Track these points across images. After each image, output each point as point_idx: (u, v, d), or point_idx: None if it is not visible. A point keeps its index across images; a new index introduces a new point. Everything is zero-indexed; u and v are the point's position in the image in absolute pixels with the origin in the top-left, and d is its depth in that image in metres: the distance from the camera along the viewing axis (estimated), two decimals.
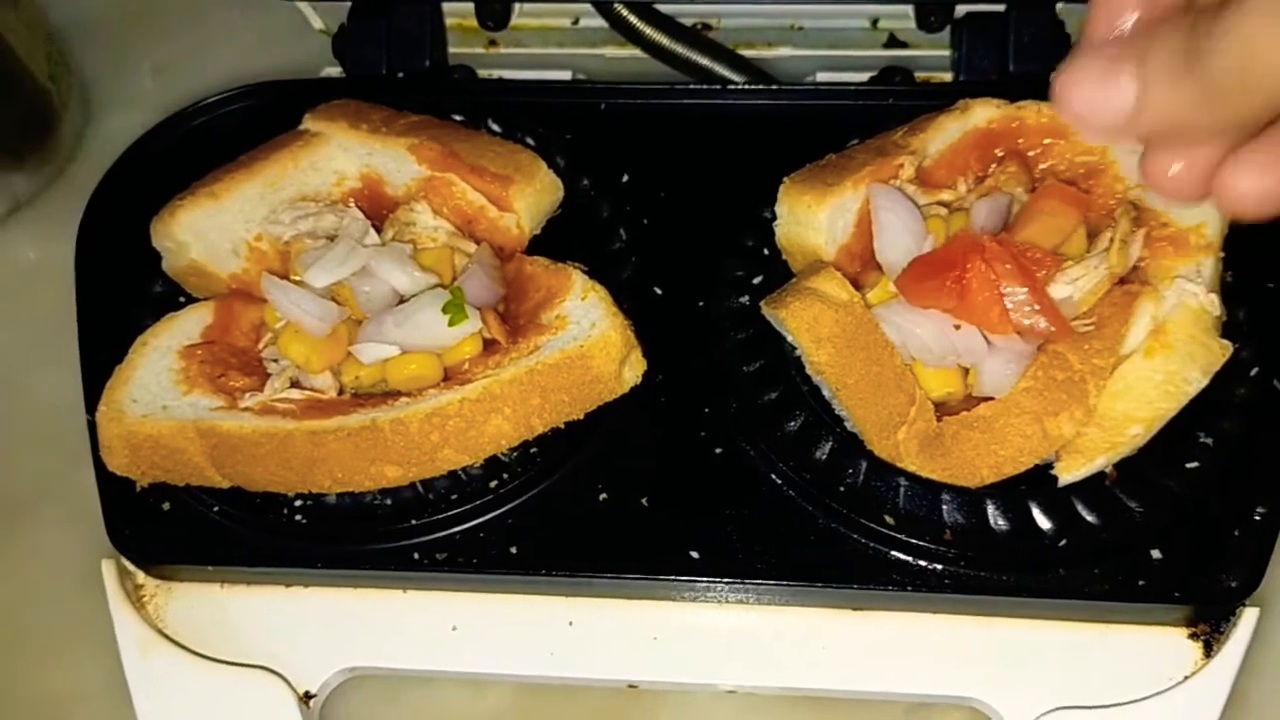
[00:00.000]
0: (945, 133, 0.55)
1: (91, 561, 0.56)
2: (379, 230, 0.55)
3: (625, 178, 0.59)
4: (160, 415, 0.48)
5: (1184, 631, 0.49)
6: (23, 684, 0.55)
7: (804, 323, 0.48)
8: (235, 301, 0.53)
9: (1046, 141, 0.55)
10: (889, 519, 0.49)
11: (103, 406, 0.49)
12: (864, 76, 0.65)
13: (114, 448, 0.49)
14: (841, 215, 0.53)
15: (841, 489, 0.49)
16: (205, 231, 0.53)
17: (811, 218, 0.52)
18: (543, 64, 0.68)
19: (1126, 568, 0.48)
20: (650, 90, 0.62)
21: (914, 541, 0.48)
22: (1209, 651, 0.48)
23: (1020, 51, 0.62)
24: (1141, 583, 0.47)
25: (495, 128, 0.60)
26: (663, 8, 0.66)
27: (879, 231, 0.52)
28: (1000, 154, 0.56)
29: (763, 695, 0.50)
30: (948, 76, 0.65)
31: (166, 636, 0.49)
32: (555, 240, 0.56)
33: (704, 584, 0.49)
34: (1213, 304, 0.49)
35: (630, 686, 0.50)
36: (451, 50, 0.67)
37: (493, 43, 0.69)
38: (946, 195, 0.55)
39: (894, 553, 0.48)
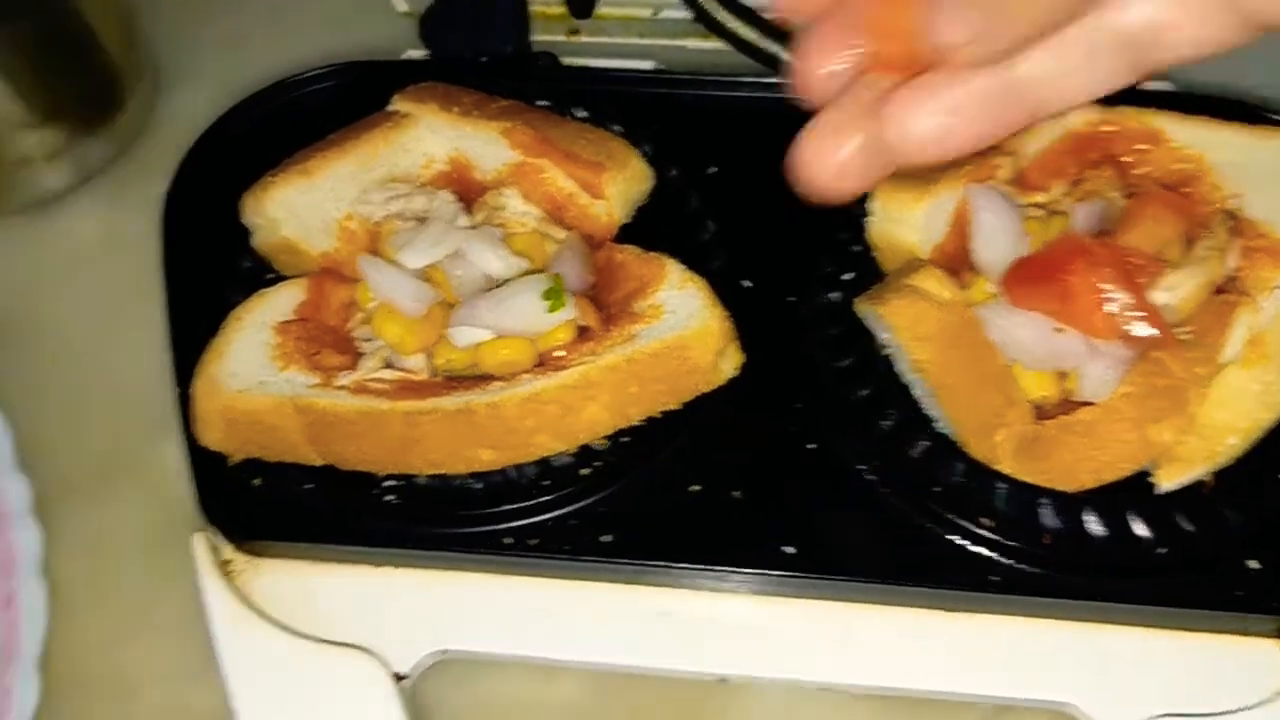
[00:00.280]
0: (1042, 135, 0.55)
1: (170, 536, 0.55)
2: (468, 214, 0.55)
3: (713, 169, 0.58)
4: (257, 391, 0.48)
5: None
6: (97, 657, 0.54)
7: (906, 321, 0.48)
8: (326, 280, 0.52)
9: (1142, 147, 0.55)
10: (986, 521, 0.48)
11: (199, 380, 0.48)
12: None
13: (210, 422, 0.48)
14: (938, 214, 0.52)
15: (937, 489, 0.49)
16: (297, 209, 0.52)
17: (908, 215, 0.52)
18: (624, 54, 0.68)
19: (1223, 577, 0.47)
20: (738, 83, 0.61)
21: (1012, 544, 0.48)
22: None
23: None
24: (1239, 593, 0.47)
25: (580, 115, 0.59)
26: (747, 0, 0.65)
27: (977, 232, 0.51)
28: (1095, 158, 0.55)
29: (853, 693, 0.50)
30: None
31: (259, 613, 0.49)
32: (642, 230, 0.56)
33: (798, 579, 0.48)
34: None
35: (721, 680, 0.49)
36: (532, 37, 0.67)
37: (574, 31, 0.69)
38: (1041, 198, 0.55)
39: (991, 555, 0.48)
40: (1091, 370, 0.49)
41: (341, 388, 0.49)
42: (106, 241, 0.68)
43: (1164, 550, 0.48)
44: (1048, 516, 0.49)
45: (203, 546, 0.50)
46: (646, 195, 0.56)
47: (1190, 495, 0.48)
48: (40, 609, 0.54)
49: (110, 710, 0.53)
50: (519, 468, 0.50)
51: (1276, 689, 0.47)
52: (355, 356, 0.51)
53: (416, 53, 0.66)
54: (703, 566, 0.49)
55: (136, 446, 0.59)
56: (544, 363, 0.50)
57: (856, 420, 0.51)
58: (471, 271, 0.52)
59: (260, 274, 0.54)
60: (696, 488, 0.50)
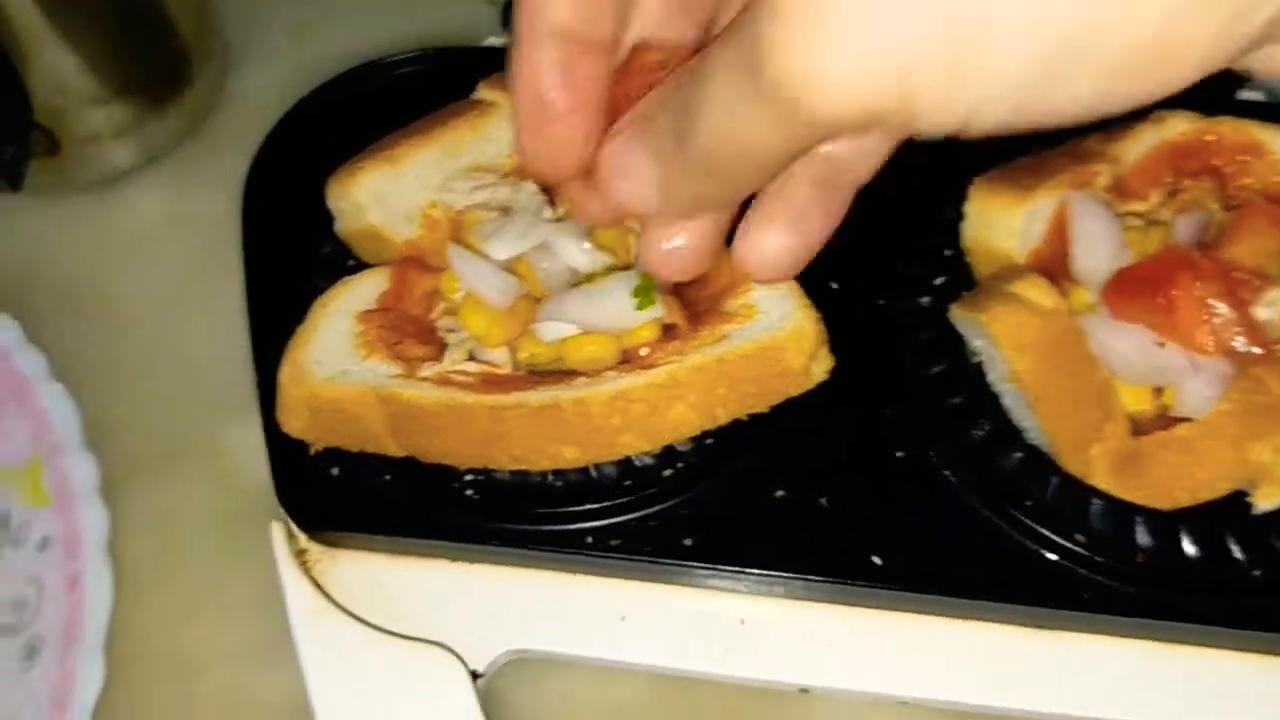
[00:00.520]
0: (1141, 142, 0.53)
1: (238, 519, 0.55)
2: (552, 206, 0.54)
3: None
4: (342, 379, 0.47)
5: None
6: (161, 639, 0.54)
7: (1007, 329, 0.47)
8: (410, 269, 0.52)
9: (1243, 158, 0.54)
10: (1079, 537, 0.47)
11: (286, 366, 0.48)
12: None
13: (295, 409, 0.47)
14: (1035, 220, 0.51)
15: (1029, 502, 0.48)
16: (383, 195, 0.51)
17: (1005, 221, 0.51)
18: None
19: None
20: None
21: (1105, 562, 0.47)
22: None
23: None
24: None
25: None
26: None
27: (1076, 240, 0.50)
28: (1194, 168, 0.54)
29: (936, 709, 0.49)
30: None
31: (335, 604, 0.48)
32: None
33: (884, 591, 0.47)
34: None
35: (803, 691, 0.48)
36: None
37: None
38: (1138, 206, 0.53)
39: (1083, 572, 0.47)
40: (1191, 386, 0.48)
41: (425, 379, 0.48)
42: (172, 220, 0.67)
43: (1259, 572, 0.47)
44: (1142, 534, 0.47)
45: (280, 536, 0.49)
46: None
47: None
48: (106, 590, 0.54)
49: (174, 693, 0.53)
50: (600, 467, 0.49)
51: None
52: (438, 347, 0.50)
53: (496, 40, 0.65)
54: (786, 574, 0.48)
55: (203, 427, 0.59)
56: (628, 360, 0.49)
57: (947, 429, 0.50)
58: (557, 264, 0.50)
59: (340, 260, 0.53)
60: (781, 493, 0.49)
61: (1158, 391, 0.49)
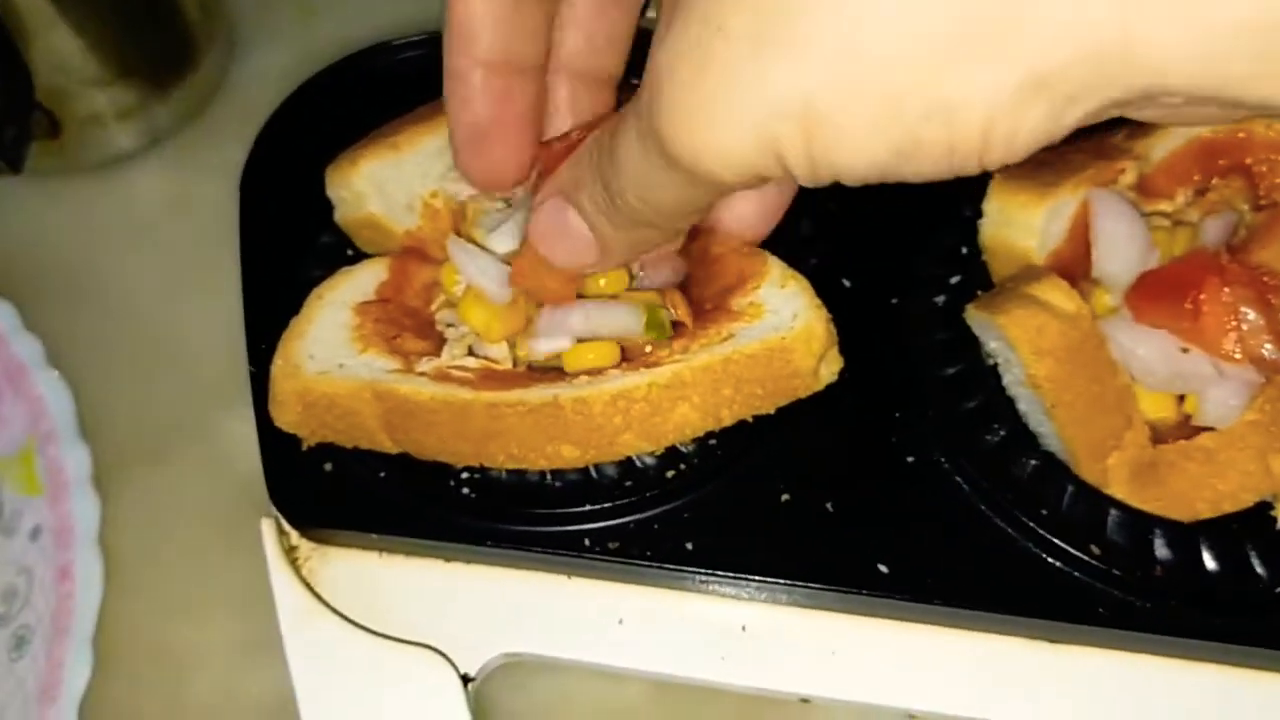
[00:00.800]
0: (1168, 139, 0.51)
1: (231, 513, 0.54)
2: None
3: None
4: (337, 373, 0.46)
5: None
6: (151, 632, 0.53)
7: (1026, 332, 0.45)
8: (410, 260, 0.50)
9: (1274, 157, 0.52)
10: (1095, 548, 0.46)
11: (279, 360, 0.46)
12: None
13: (287, 403, 0.46)
14: (1056, 219, 0.49)
15: (1044, 512, 0.46)
16: (383, 183, 0.50)
17: (1026, 219, 0.49)
18: None
19: None
20: None
21: (1121, 575, 0.45)
22: None
23: None
24: None
25: None
26: None
27: (1099, 240, 0.48)
28: (1224, 166, 0.52)
29: None
30: None
31: (325, 603, 0.47)
32: None
33: (891, 601, 0.46)
34: None
35: (804, 701, 0.47)
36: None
37: None
38: (1165, 205, 0.51)
39: (1099, 585, 0.45)
40: (1215, 394, 0.46)
41: (422, 374, 0.46)
42: (174, 205, 0.66)
43: None
44: (1160, 547, 0.46)
45: (270, 532, 0.48)
46: None
47: None
48: (96, 582, 0.53)
49: (164, 688, 0.52)
50: (600, 467, 0.47)
51: None
52: (436, 341, 0.48)
53: None
54: (789, 581, 0.46)
55: (199, 418, 0.58)
56: (631, 358, 0.47)
57: (961, 434, 0.48)
58: None
59: (340, 249, 0.52)
60: (786, 497, 0.48)
61: (1180, 399, 0.47)
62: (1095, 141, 0.52)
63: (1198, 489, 0.45)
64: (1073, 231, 0.50)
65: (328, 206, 0.51)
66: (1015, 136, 0.28)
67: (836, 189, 0.53)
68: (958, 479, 0.48)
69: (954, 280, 0.51)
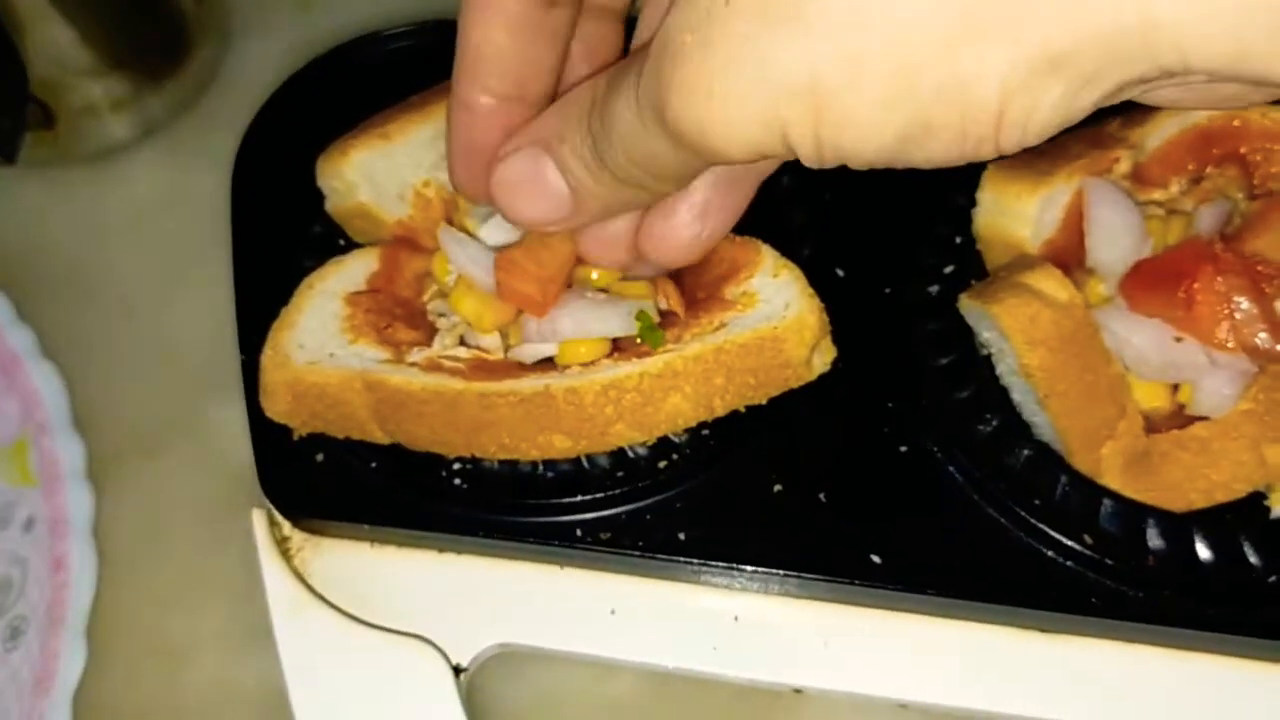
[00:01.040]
0: (1163, 128, 0.51)
1: (225, 504, 0.54)
2: None
3: None
4: (327, 363, 0.46)
5: None
6: (145, 624, 0.53)
7: (1019, 322, 0.45)
8: (401, 250, 0.50)
9: (1269, 146, 0.51)
10: (1088, 538, 0.45)
11: (269, 350, 0.46)
12: None
13: (277, 394, 0.46)
14: (1050, 208, 0.49)
15: (1037, 502, 0.46)
16: (374, 173, 0.50)
17: (1020, 208, 0.49)
18: None
19: None
20: None
21: (1114, 565, 0.45)
22: None
23: None
24: None
25: None
26: None
27: (1093, 229, 0.48)
28: (1218, 155, 0.52)
29: (935, 714, 0.47)
30: None
31: (316, 594, 0.47)
32: None
33: (883, 591, 0.46)
34: None
35: (796, 692, 0.47)
36: None
37: None
38: (1158, 195, 0.51)
39: (1091, 574, 0.45)
40: (1209, 384, 0.46)
41: (413, 364, 0.46)
42: (168, 196, 0.66)
43: (1276, 579, 0.45)
44: (1154, 537, 0.45)
45: (262, 523, 0.48)
46: None
47: None
48: (90, 573, 0.53)
49: (158, 679, 0.52)
50: (592, 458, 0.47)
51: None
52: (428, 331, 0.48)
53: None
54: (782, 571, 0.46)
55: (193, 409, 0.58)
56: (623, 348, 0.47)
57: (954, 424, 0.48)
58: None
59: (331, 239, 0.52)
60: (779, 488, 0.47)
61: (1174, 389, 0.47)
62: (1090, 130, 0.51)
63: (1191, 479, 0.45)
64: (1067, 220, 0.49)
65: (319, 196, 0.51)
66: (1031, 118, 0.27)
67: (831, 177, 0.54)
68: (951, 469, 0.47)
69: (948, 269, 0.51)
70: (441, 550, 0.48)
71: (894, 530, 0.46)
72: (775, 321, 0.46)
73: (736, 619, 0.47)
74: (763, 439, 0.48)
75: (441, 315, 0.49)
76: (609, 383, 0.45)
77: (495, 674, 0.49)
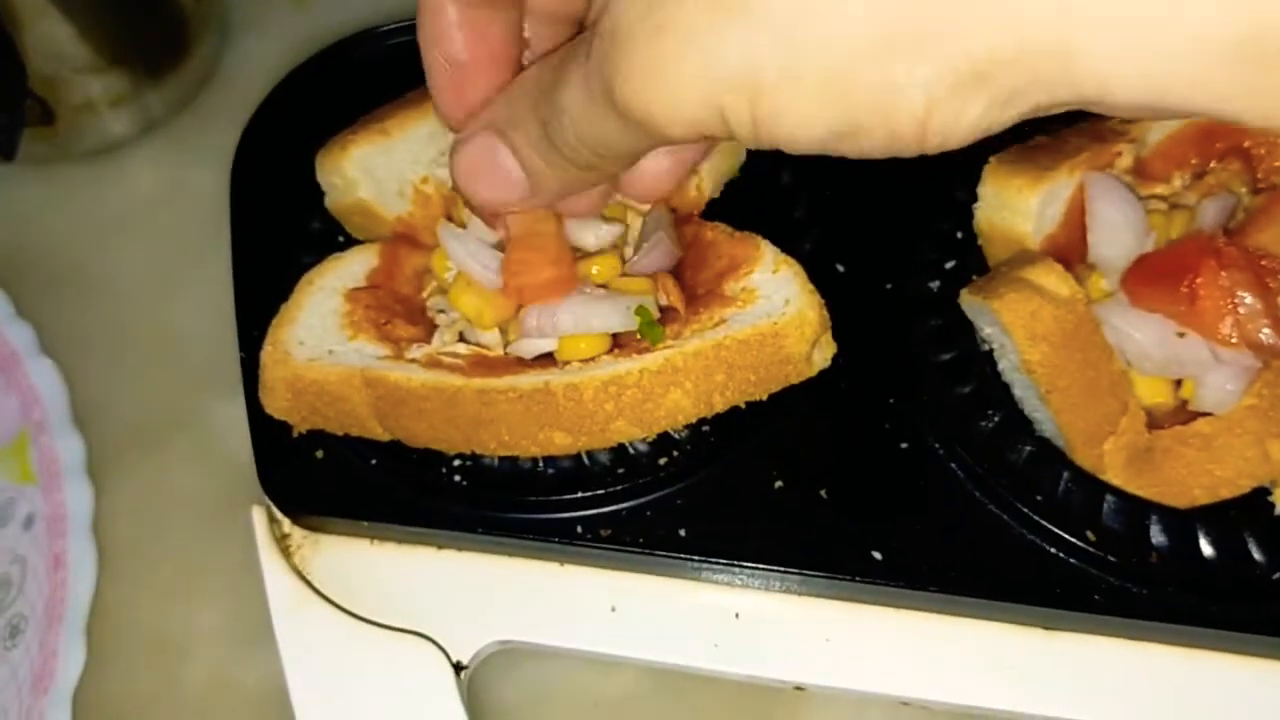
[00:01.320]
0: (1165, 121, 0.51)
1: (225, 501, 0.54)
2: None
3: None
4: (327, 360, 0.46)
5: None
6: (145, 621, 0.53)
7: (1020, 317, 0.45)
8: (400, 246, 0.50)
9: (1273, 140, 0.51)
10: (1091, 535, 0.45)
11: (268, 346, 0.46)
12: None
13: (276, 390, 0.46)
14: (1052, 203, 0.49)
15: (1039, 498, 0.46)
16: (374, 169, 0.50)
17: (1021, 203, 0.48)
18: None
19: None
20: None
21: (1117, 561, 0.45)
22: None
23: None
24: None
25: None
26: None
27: (1095, 224, 0.48)
28: (1221, 149, 0.52)
29: (936, 711, 0.47)
30: None
31: (316, 591, 0.47)
32: (731, 206, 0.53)
33: (884, 588, 0.45)
34: None
35: (798, 689, 0.47)
36: None
37: None
38: (1161, 189, 0.51)
39: (1094, 571, 0.45)
40: (1212, 379, 0.45)
41: (413, 361, 0.46)
42: (168, 193, 0.66)
43: None
44: (1157, 533, 0.45)
45: (261, 520, 0.48)
46: (737, 170, 0.53)
47: None
48: (89, 570, 0.53)
49: (157, 676, 0.52)
50: (592, 454, 0.47)
51: None
52: (427, 328, 0.48)
53: None
54: (783, 568, 0.46)
55: (193, 406, 0.58)
56: (623, 344, 0.47)
57: (955, 420, 0.48)
58: None
59: (330, 236, 0.52)
60: (780, 484, 0.47)
61: (1177, 384, 0.47)
62: (1091, 125, 0.51)
63: (1195, 475, 0.45)
64: (1068, 215, 0.49)
65: (318, 192, 0.51)
66: (953, 127, 0.28)
67: (832, 172, 0.53)
68: (952, 465, 0.47)
69: (949, 265, 0.51)
70: (441, 547, 0.48)
71: (895, 527, 0.46)
72: (775, 317, 0.45)
73: (737, 616, 0.47)
74: (763, 435, 0.48)
75: (441, 311, 0.49)
76: (609, 379, 0.45)
77: (496, 671, 0.49)
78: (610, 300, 0.46)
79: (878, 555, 0.46)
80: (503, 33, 0.40)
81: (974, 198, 0.50)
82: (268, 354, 0.46)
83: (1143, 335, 0.45)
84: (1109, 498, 0.45)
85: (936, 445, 0.48)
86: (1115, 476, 0.45)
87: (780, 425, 0.48)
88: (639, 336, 0.46)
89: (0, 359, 0.58)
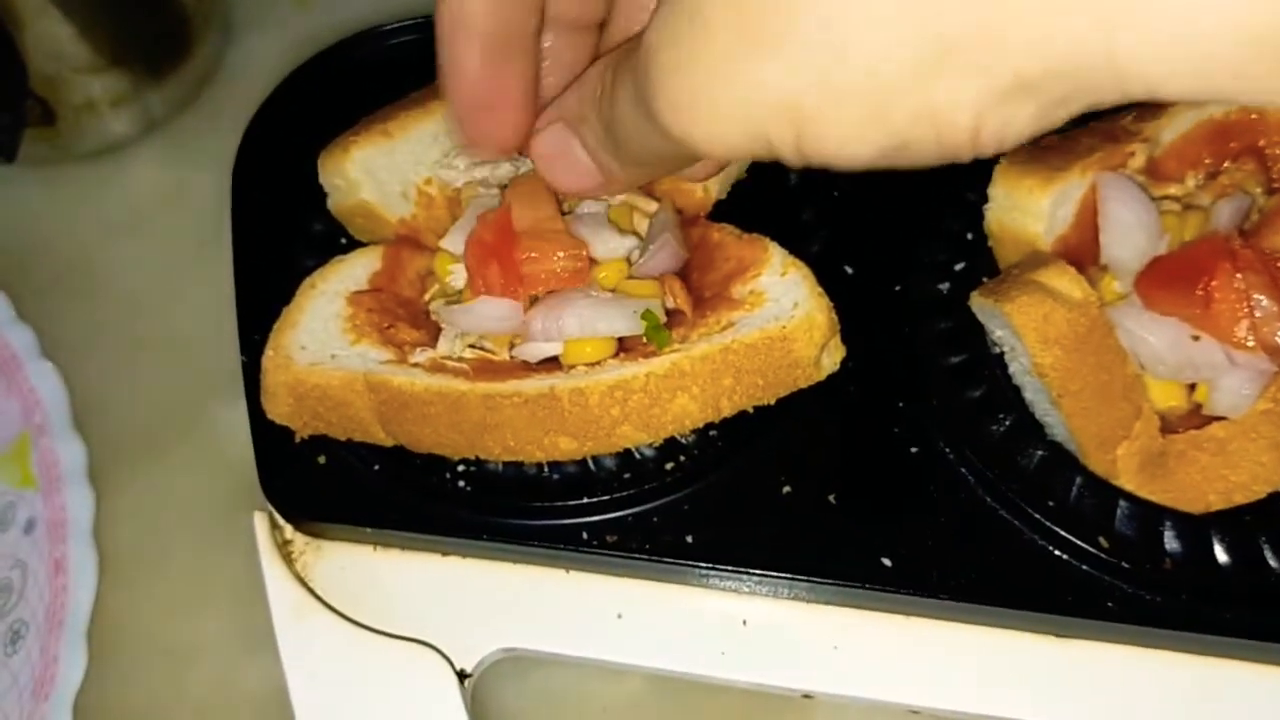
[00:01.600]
0: (1178, 121, 0.50)
1: (227, 506, 0.53)
2: None
3: None
4: (329, 364, 0.45)
5: None
6: (146, 627, 0.52)
7: (1032, 320, 0.44)
8: (403, 248, 0.49)
9: None
10: (1103, 541, 0.45)
11: (270, 350, 0.46)
12: None
13: (278, 395, 0.45)
14: (1063, 203, 0.48)
15: (1051, 504, 0.45)
16: (377, 171, 0.49)
17: (1032, 204, 0.48)
18: None
19: None
20: None
21: (1130, 568, 0.44)
22: None
23: None
24: None
25: None
26: None
27: (1108, 226, 0.47)
28: (1235, 149, 0.51)
29: (947, 719, 0.46)
30: None
31: (319, 598, 0.46)
32: (738, 207, 0.52)
33: (895, 595, 0.45)
34: None
35: (806, 696, 0.46)
36: None
37: None
38: (1174, 190, 0.50)
39: (1107, 578, 0.44)
40: (1227, 383, 0.45)
41: (416, 365, 0.46)
42: (169, 194, 0.65)
43: None
44: (1170, 539, 0.45)
45: (263, 526, 0.48)
46: (744, 171, 0.52)
47: None
48: (90, 575, 0.52)
49: (159, 683, 0.52)
50: (598, 459, 0.47)
51: None
52: (431, 331, 0.47)
53: None
54: (791, 575, 0.45)
55: (194, 410, 0.57)
56: (630, 348, 0.46)
57: (965, 424, 0.47)
58: None
59: (333, 238, 0.51)
60: (788, 490, 0.47)
61: (1190, 388, 0.46)
62: (1104, 124, 0.50)
63: (1209, 480, 0.44)
64: (1080, 216, 0.49)
65: (320, 194, 0.50)
66: (1005, 133, 0.28)
67: (840, 174, 0.53)
68: (962, 470, 0.47)
69: (959, 266, 0.50)
70: (445, 554, 0.48)
71: (905, 533, 0.46)
72: (784, 321, 0.45)
73: (745, 623, 0.46)
74: (771, 440, 0.47)
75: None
76: (615, 383, 0.44)
77: (500, 679, 0.49)
78: (616, 304, 0.45)
79: (887, 561, 0.45)
80: (523, 66, 0.41)
81: (984, 199, 0.49)
82: (269, 358, 0.45)
83: (1157, 339, 0.45)
84: (1122, 503, 0.45)
85: (946, 449, 0.47)
86: (1128, 482, 0.45)
87: (788, 429, 0.48)
88: (645, 341, 0.45)
89: (0, 362, 0.58)
